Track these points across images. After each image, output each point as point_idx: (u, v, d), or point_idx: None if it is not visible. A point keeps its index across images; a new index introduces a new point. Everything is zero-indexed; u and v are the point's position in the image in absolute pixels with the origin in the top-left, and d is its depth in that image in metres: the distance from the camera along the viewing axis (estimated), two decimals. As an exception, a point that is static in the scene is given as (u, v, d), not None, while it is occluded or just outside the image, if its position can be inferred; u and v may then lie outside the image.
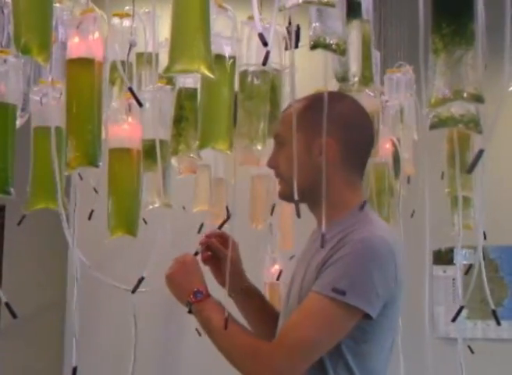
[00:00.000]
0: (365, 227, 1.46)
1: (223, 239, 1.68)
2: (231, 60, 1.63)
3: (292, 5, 1.26)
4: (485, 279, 1.31)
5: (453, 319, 1.41)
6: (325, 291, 1.38)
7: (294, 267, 1.62)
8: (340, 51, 1.38)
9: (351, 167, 1.54)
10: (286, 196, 1.59)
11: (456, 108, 1.23)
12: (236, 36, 1.64)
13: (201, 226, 2.41)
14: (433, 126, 1.24)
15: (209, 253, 1.68)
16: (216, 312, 1.50)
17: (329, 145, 1.48)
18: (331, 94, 1.54)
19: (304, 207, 1.60)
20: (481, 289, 1.36)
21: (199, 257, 1.68)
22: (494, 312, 1.36)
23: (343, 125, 1.51)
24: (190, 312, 1.55)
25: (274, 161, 1.60)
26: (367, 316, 1.40)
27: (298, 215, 1.51)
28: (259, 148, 1.86)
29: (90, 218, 1.85)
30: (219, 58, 1.60)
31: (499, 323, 1.42)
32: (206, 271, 1.68)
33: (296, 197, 1.30)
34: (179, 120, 1.97)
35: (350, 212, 1.50)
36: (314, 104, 1.53)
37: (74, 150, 1.47)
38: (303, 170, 1.48)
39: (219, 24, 1.59)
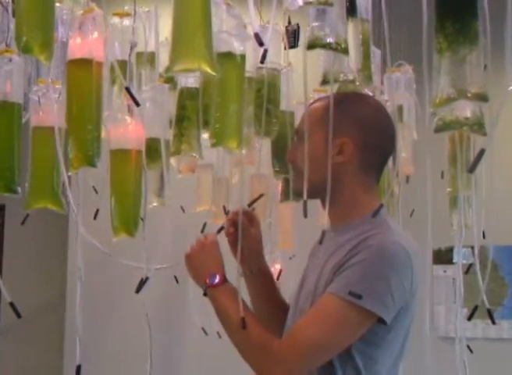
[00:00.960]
0: (385, 233, 1.45)
1: (249, 217, 1.67)
2: (240, 57, 1.62)
3: (296, 7, 1.27)
4: (480, 278, 1.31)
5: (469, 318, 1.42)
6: (341, 293, 1.38)
7: (305, 267, 1.61)
8: (341, 49, 1.37)
9: (368, 169, 1.52)
10: (300, 191, 1.58)
11: (460, 111, 1.23)
12: (244, 33, 1.63)
13: (204, 225, 2.41)
14: (438, 130, 1.24)
15: (233, 229, 1.66)
16: (231, 301, 1.49)
17: (347, 145, 1.48)
18: (352, 94, 1.54)
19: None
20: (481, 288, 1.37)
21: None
22: (489, 312, 1.36)
23: (361, 126, 1.50)
24: (205, 294, 1.56)
25: (293, 155, 1.59)
26: (381, 321, 1.40)
27: (305, 215, 1.51)
28: (242, 151, 1.85)
29: (95, 217, 1.85)
30: (229, 55, 1.59)
31: (493, 322, 1.43)
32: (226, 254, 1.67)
33: (305, 196, 1.30)
34: (181, 120, 1.97)
35: (366, 216, 1.49)
36: (336, 103, 1.52)
37: (75, 150, 1.47)
38: (319, 167, 1.48)
39: (225, 22, 1.59)
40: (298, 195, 1.60)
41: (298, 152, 1.56)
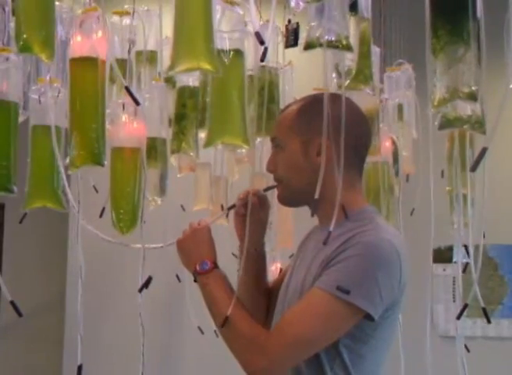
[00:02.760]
0: (374, 230, 1.45)
1: (261, 200, 1.67)
2: (237, 54, 1.60)
3: (300, 8, 1.27)
4: (475, 277, 1.31)
5: (458, 317, 1.42)
6: (329, 288, 1.38)
7: (292, 263, 1.62)
8: (343, 46, 1.36)
9: (349, 166, 1.52)
10: (285, 200, 1.59)
11: (463, 110, 1.23)
12: (244, 29, 1.61)
13: None
14: (442, 127, 1.24)
15: (244, 210, 1.65)
16: (220, 289, 1.49)
17: (326, 146, 1.48)
18: (324, 95, 1.54)
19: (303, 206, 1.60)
20: (481, 287, 1.37)
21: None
22: (484, 311, 1.37)
23: (337, 125, 1.51)
24: (195, 280, 1.55)
25: (272, 165, 1.59)
26: (368, 317, 1.40)
27: (312, 214, 1.54)
28: (243, 150, 1.85)
29: (101, 216, 1.85)
30: (224, 53, 1.58)
31: (489, 321, 1.43)
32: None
33: (316, 195, 1.30)
34: (180, 118, 1.97)
35: (353, 213, 1.49)
36: (308, 106, 1.53)
37: (79, 149, 1.45)
38: (301, 172, 1.49)
39: (227, 19, 1.58)
40: (284, 204, 1.61)
41: (277, 161, 1.56)
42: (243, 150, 1.86)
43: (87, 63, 1.47)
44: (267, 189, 1.69)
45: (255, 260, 1.71)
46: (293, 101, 1.63)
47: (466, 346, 1.91)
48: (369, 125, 1.62)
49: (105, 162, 1.50)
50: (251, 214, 1.64)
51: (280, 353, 1.41)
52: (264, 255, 1.74)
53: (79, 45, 1.48)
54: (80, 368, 1.39)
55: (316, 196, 1.31)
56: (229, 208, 1.68)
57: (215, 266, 1.55)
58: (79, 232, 1.58)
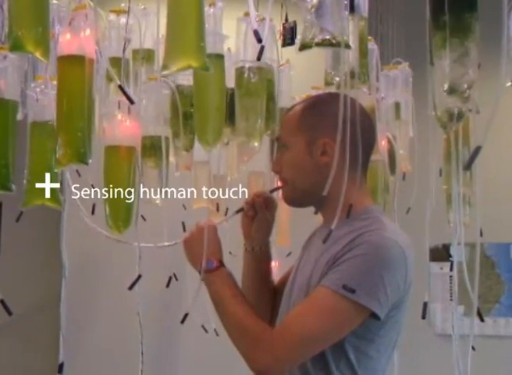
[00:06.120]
0: (380, 230, 1.46)
1: (267, 202, 1.71)
2: (218, 57, 1.61)
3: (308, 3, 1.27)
4: (466, 277, 1.32)
5: (423, 317, 1.44)
6: (334, 286, 1.39)
7: (297, 262, 1.62)
8: (338, 44, 1.35)
9: (354, 165, 1.52)
10: (290, 201, 1.59)
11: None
12: (222, 32, 1.63)
13: (183, 224, 2.41)
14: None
15: (252, 212, 1.71)
16: (226, 287, 1.52)
17: (329, 145, 1.48)
18: (328, 94, 1.55)
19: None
20: (478, 286, 1.37)
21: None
22: (478, 309, 1.37)
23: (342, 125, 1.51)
24: (201, 279, 1.58)
25: (277, 166, 1.60)
26: (374, 316, 1.41)
27: (317, 212, 1.56)
28: (256, 144, 1.87)
29: (93, 212, 1.86)
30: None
31: (482, 320, 1.45)
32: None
33: (325, 193, 1.30)
34: (188, 117, 1.97)
35: (359, 213, 1.49)
36: (312, 106, 1.54)
37: (64, 147, 1.45)
38: (306, 173, 1.50)
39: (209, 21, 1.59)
40: (289, 205, 1.62)
41: (283, 162, 1.57)
42: (256, 144, 1.87)
43: (74, 61, 1.46)
44: (273, 190, 1.72)
45: (260, 259, 1.73)
46: (297, 102, 1.64)
47: (473, 347, 1.91)
48: (374, 124, 1.62)
49: (90, 161, 1.49)
50: (258, 214, 1.66)
51: (285, 351, 1.42)
52: (270, 253, 1.76)
53: (66, 43, 1.47)
54: (61, 366, 1.39)
55: (324, 193, 1.30)
56: (238, 211, 1.71)
57: (222, 264, 1.57)
58: (63, 231, 1.58)
